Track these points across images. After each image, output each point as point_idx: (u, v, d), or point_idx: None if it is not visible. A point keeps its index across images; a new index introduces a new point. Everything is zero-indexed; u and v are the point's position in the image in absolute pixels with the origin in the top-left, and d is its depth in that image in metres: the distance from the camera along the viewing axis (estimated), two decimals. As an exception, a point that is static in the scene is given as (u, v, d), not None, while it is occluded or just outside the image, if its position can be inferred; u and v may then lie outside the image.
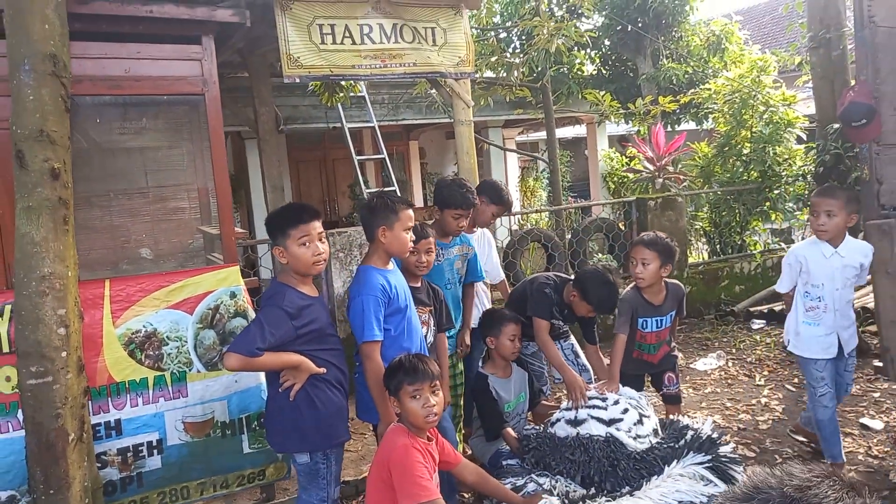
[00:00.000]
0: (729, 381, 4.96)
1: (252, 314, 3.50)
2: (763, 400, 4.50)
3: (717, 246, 8.13)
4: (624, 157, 13.49)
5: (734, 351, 5.68)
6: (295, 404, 2.61)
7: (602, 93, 8.48)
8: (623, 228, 6.96)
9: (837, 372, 3.27)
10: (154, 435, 3.20)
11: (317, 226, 2.66)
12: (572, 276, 3.72)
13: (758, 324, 6.44)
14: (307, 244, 2.63)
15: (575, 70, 10.95)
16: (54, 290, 2.53)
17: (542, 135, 15.99)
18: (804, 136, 7.85)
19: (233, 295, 3.42)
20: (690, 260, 7.51)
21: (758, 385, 4.81)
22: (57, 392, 2.56)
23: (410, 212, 2.89)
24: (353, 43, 3.83)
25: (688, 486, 2.62)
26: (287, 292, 2.60)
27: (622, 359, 3.40)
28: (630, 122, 9.97)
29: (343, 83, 7.02)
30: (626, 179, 12.78)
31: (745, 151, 7.93)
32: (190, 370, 3.30)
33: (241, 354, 2.48)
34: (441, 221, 3.50)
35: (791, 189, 7.49)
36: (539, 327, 3.49)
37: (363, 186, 9.35)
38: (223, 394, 3.35)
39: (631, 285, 3.54)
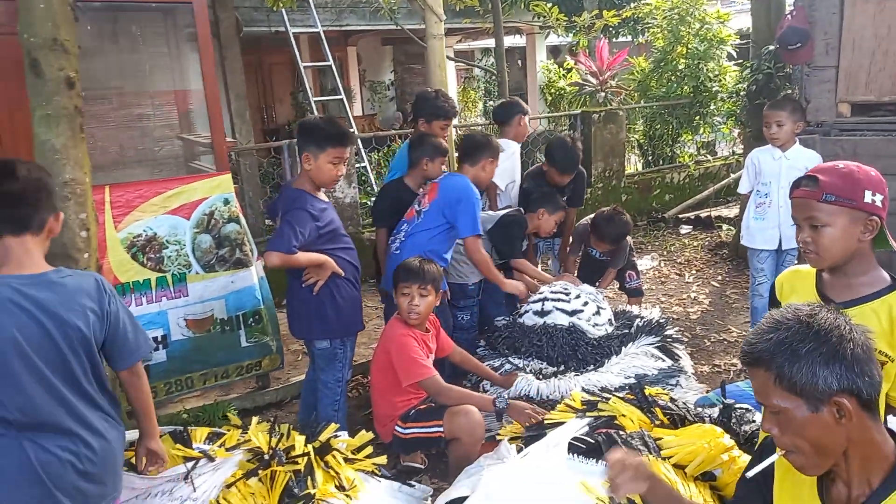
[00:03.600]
0: (662, 279, 5.58)
1: (244, 220, 3.71)
2: (693, 294, 5.13)
3: (650, 158, 8.68)
4: (561, 68, 13.77)
5: (665, 253, 6.30)
6: (318, 297, 2.90)
7: (549, 5, 8.60)
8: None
9: (777, 264, 3.82)
10: (159, 331, 3.45)
11: (349, 150, 2.87)
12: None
13: (685, 229, 7.09)
14: (335, 164, 2.86)
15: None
16: (76, 196, 2.67)
17: (480, 43, 15.96)
18: (734, 54, 8.34)
19: (226, 201, 3.61)
20: (626, 171, 8.03)
21: (687, 282, 5.44)
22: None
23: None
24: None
25: (641, 363, 3.13)
26: (307, 197, 2.84)
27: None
28: (571, 34, 10.17)
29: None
30: (563, 91, 13.11)
31: (680, 67, 8.37)
32: (189, 272, 3.52)
33: (280, 252, 2.71)
34: (428, 132, 3.74)
35: (722, 105, 8.02)
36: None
37: (310, 94, 9.28)
38: (221, 293, 3.60)
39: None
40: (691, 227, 7.11)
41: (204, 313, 3.56)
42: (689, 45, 8.28)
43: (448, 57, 12.63)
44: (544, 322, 3.45)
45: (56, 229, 1.94)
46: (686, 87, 8.23)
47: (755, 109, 5.58)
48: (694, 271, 5.70)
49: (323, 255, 2.87)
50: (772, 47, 5.30)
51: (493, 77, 10.67)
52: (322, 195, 2.94)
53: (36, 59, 2.54)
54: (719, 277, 5.47)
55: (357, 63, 14.83)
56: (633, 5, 9.20)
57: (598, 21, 8.77)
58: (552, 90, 13.40)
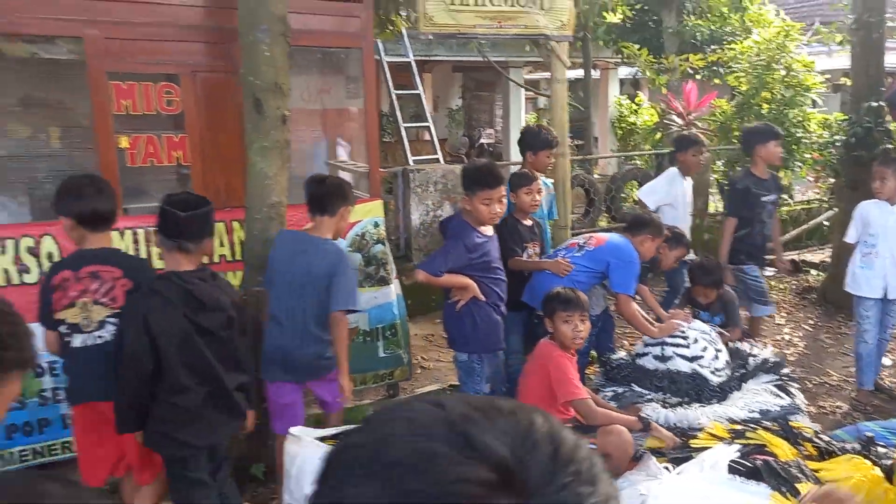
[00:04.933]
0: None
1: (386, 243, 4.10)
2: (786, 337, 5.31)
3: (730, 198, 8.83)
4: (633, 103, 14.03)
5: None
6: (461, 315, 3.27)
7: (638, 47, 8.94)
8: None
9: (883, 313, 4.02)
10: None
11: (500, 190, 3.22)
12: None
13: (770, 271, 7.24)
14: (488, 204, 3.21)
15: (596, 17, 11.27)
16: (279, 216, 3.08)
17: (547, 74, 16.38)
18: (819, 101, 8.50)
19: (376, 224, 3.99)
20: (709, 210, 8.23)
21: (778, 324, 5.61)
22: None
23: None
24: (476, 4, 4.27)
25: (763, 399, 3.36)
26: (468, 230, 3.21)
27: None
28: (645, 71, 10.45)
29: (394, 20, 7.34)
30: (635, 126, 13.35)
31: (763, 112, 8.56)
32: (340, 286, 3.89)
33: (427, 273, 3.16)
34: (534, 163, 4.08)
35: (806, 151, 8.18)
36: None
37: (400, 120, 9.75)
38: (365, 307, 3.97)
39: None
40: (775, 269, 7.26)
41: (351, 324, 3.92)
42: (774, 91, 8.47)
43: (521, 84, 12.96)
44: (667, 368, 3.64)
45: (346, 216, 3.03)
46: (770, 132, 8.41)
47: (852, 161, 5.77)
48: (784, 314, 5.86)
49: (467, 280, 3.23)
50: (873, 103, 5.49)
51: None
52: (484, 229, 3.28)
53: (259, 100, 2.96)
54: (811, 321, 5.63)
55: (431, 89, 15.37)
56: (715, 49, 9.43)
57: (685, 64, 9.07)
58: (623, 125, 13.63)
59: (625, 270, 3.54)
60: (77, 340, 2.45)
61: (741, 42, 9.39)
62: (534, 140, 4.10)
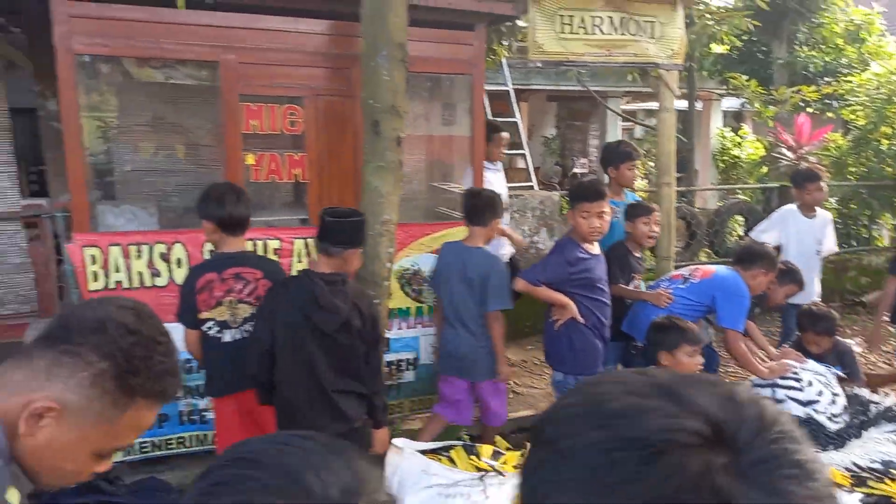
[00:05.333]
0: (870, 366, 5.39)
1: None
2: (908, 387, 4.93)
3: (845, 238, 8.35)
4: (737, 135, 13.56)
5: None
6: (558, 333, 3.31)
7: (746, 77, 8.69)
8: (763, 214, 7.29)
9: None
10: (411, 354, 3.92)
11: (599, 205, 3.23)
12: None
13: (885, 316, 6.75)
14: (586, 218, 3.23)
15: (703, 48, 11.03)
16: (388, 234, 3.19)
17: (643, 105, 16.10)
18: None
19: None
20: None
21: (899, 373, 5.22)
22: (381, 312, 3.25)
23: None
24: (586, 32, 4.31)
25: (886, 449, 3.13)
26: (569, 245, 3.26)
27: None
28: (753, 103, 10.10)
29: (496, 49, 7.47)
30: (738, 160, 12.89)
31: (882, 147, 8.07)
32: (441, 305, 3.97)
33: (526, 281, 3.29)
34: (618, 177, 4.03)
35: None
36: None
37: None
38: (463, 327, 4.03)
39: None
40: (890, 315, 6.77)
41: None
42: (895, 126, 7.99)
43: (620, 114, 12.84)
44: (779, 412, 3.49)
45: (496, 227, 3.45)
46: (889, 168, 7.92)
47: None
48: (906, 363, 5.46)
49: (566, 298, 3.25)
50: None
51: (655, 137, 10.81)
52: (589, 247, 3.28)
53: (377, 122, 3.11)
54: (937, 372, 5.20)
55: (527, 118, 15.46)
56: (829, 80, 9.02)
57: (796, 96, 8.71)
58: (725, 157, 13.19)
59: (734, 305, 3.42)
60: (227, 336, 2.70)
61: (858, 74, 8.94)
62: (612, 154, 4.14)
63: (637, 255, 3.77)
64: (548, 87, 12.26)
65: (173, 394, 1.05)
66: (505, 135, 4.52)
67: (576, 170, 16.74)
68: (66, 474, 1.00)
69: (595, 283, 3.29)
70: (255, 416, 2.72)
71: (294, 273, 2.62)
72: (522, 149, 10.01)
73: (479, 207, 3.36)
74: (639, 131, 16.44)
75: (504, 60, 9.93)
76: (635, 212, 3.71)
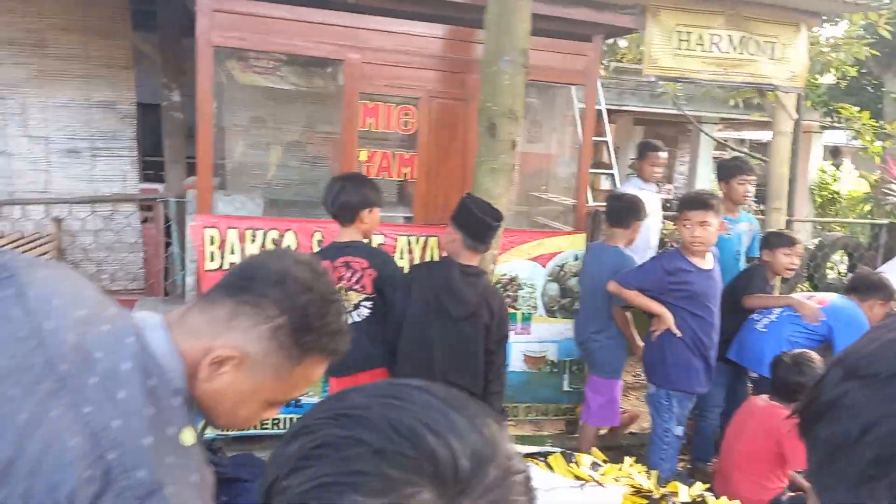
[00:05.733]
0: None
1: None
2: None
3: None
4: (837, 170, 12.94)
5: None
6: (654, 344, 3.27)
7: (857, 109, 8.31)
8: (868, 250, 6.93)
9: None
10: (502, 360, 3.91)
11: (701, 214, 3.16)
12: None
13: None
14: (686, 226, 3.17)
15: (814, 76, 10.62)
16: (496, 237, 3.22)
17: (736, 134, 15.61)
18: None
19: (576, 258, 4.03)
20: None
21: None
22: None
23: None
24: (703, 50, 4.23)
25: None
26: (674, 257, 3.24)
27: None
28: (863, 136, 9.61)
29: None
30: (837, 195, 12.30)
31: None
32: (535, 313, 3.96)
33: (618, 282, 3.30)
34: (729, 192, 3.91)
35: None
36: None
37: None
38: (556, 338, 4.00)
39: None
40: None
41: (540, 352, 3.98)
42: None
43: (714, 138, 12.48)
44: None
45: (637, 229, 3.65)
46: None
47: None
48: None
49: (660, 307, 3.21)
50: None
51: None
52: (698, 260, 3.20)
53: (494, 124, 3.15)
54: None
55: (613, 140, 15.26)
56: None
57: (912, 130, 8.24)
58: (823, 192, 12.61)
59: (853, 336, 3.25)
60: None
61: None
62: (723, 169, 4.10)
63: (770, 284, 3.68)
64: (638, 109, 12.06)
65: (343, 351, 1.06)
66: (663, 154, 4.38)
67: (660, 195, 16.39)
68: (239, 419, 1.04)
69: (698, 297, 3.19)
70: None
71: (440, 258, 2.74)
72: (611, 168, 9.89)
73: (620, 210, 3.58)
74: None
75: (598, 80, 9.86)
76: (779, 241, 3.63)
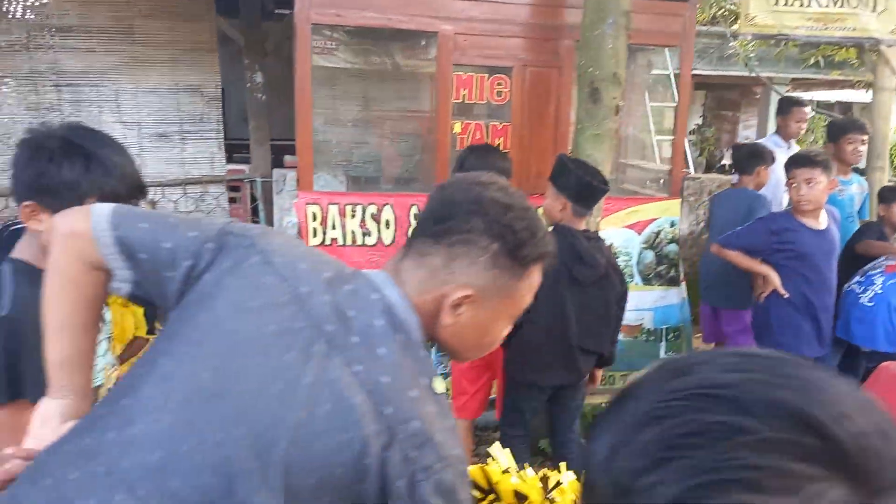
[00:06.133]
0: None
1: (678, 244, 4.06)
2: None
3: None
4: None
5: None
6: (760, 306, 3.24)
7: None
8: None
9: None
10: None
11: (805, 172, 3.06)
12: None
13: None
14: (794, 185, 3.08)
15: None
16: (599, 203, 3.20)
17: (807, 95, 14.96)
18: None
19: (672, 224, 3.97)
20: None
21: None
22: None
23: None
24: (801, 5, 4.07)
25: None
26: (779, 217, 3.19)
27: None
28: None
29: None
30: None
31: None
32: (631, 281, 3.92)
33: (720, 244, 3.29)
34: (837, 153, 3.79)
35: None
36: None
37: (652, 132, 9.57)
38: (652, 305, 3.96)
39: None
40: None
41: (636, 321, 3.95)
42: None
43: (793, 98, 12.03)
44: None
45: (763, 175, 3.84)
46: None
47: None
48: None
49: (764, 267, 3.16)
50: None
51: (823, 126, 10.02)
52: (808, 220, 3.10)
53: (597, 89, 3.11)
54: None
55: (678, 106, 14.83)
56: None
57: None
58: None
59: None
60: None
61: None
62: (833, 128, 4.01)
63: (888, 240, 3.55)
64: (708, 73, 11.67)
65: (553, 251, 1.07)
66: (807, 110, 4.30)
67: (724, 161, 15.88)
68: (485, 347, 1.08)
69: (807, 258, 3.10)
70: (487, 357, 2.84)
71: (553, 228, 2.66)
72: (673, 134, 9.66)
73: (742, 158, 3.83)
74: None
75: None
76: (894, 195, 3.53)
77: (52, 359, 1.02)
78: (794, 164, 3.11)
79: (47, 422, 1.02)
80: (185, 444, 0.85)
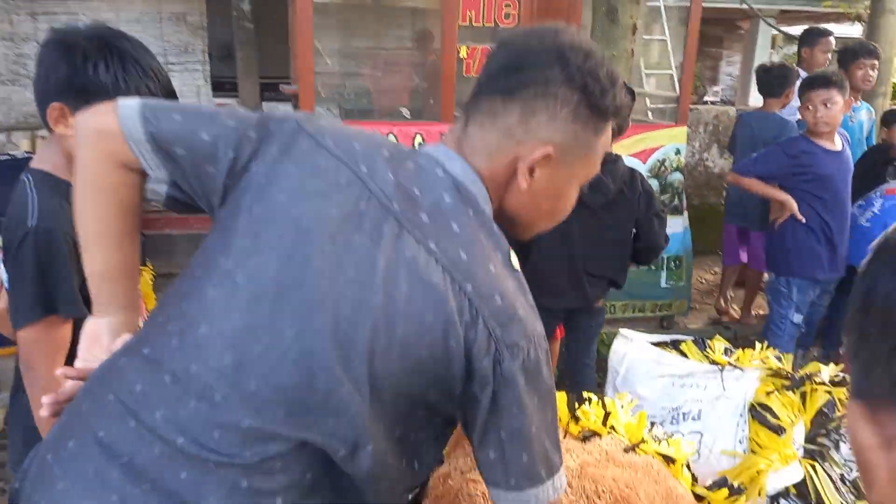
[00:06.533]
0: None
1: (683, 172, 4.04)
2: None
3: None
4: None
5: None
6: (777, 233, 3.22)
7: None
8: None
9: None
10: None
11: (822, 93, 3.01)
12: None
13: None
14: (811, 108, 3.04)
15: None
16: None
17: (791, 28, 14.82)
18: None
19: (677, 151, 3.93)
20: None
21: None
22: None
23: None
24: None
25: None
26: (798, 141, 3.13)
27: None
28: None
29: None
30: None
31: None
32: (635, 210, 3.92)
33: (735, 171, 3.32)
34: (848, 78, 3.73)
35: None
36: None
37: (642, 66, 9.43)
38: (655, 235, 3.97)
39: None
40: None
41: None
42: None
43: (780, 30, 11.88)
44: None
45: (790, 96, 3.77)
46: None
47: None
48: None
49: (781, 193, 3.14)
50: None
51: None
52: (824, 142, 3.06)
53: (614, 8, 3.01)
54: None
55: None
56: None
57: None
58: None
59: None
60: None
61: None
62: (843, 53, 3.91)
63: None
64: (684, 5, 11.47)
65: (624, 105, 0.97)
66: (833, 40, 4.17)
67: (708, 98, 15.79)
68: (559, 213, 1.01)
69: (824, 180, 3.07)
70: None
71: None
72: (669, 68, 9.52)
73: (771, 80, 3.80)
74: (782, 55, 15.24)
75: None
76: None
77: (93, 273, 0.95)
78: (809, 85, 3.06)
79: (96, 340, 0.96)
80: (260, 342, 0.80)
